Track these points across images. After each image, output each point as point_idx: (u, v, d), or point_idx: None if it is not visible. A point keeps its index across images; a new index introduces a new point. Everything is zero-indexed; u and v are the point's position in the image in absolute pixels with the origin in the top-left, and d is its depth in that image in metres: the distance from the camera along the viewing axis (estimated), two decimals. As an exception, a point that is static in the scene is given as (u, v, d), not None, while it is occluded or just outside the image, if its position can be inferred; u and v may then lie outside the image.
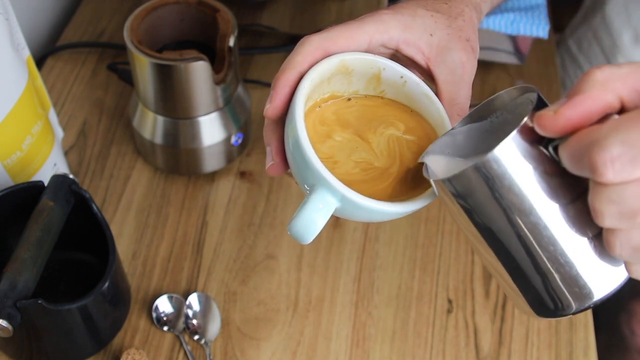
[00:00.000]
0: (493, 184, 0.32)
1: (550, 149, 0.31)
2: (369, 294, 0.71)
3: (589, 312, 0.71)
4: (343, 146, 0.41)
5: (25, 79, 0.63)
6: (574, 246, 0.32)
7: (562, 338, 0.69)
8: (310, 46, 0.40)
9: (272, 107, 0.40)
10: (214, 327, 0.67)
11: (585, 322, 0.70)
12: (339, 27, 0.42)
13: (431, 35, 0.43)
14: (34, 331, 0.57)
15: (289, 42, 0.95)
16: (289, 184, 0.79)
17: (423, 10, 0.44)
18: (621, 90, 0.29)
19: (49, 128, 0.69)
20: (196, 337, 0.66)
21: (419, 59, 0.44)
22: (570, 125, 0.30)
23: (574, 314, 0.34)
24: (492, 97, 0.37)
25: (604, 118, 0.29)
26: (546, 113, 0.30)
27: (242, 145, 0.79)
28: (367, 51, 0.42)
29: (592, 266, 0.33)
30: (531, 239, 0.32)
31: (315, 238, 0.38)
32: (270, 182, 0.79)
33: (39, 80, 0.68)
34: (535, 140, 0.31)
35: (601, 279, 0.33)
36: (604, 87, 0.29)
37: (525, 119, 0.31)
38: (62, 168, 0.73)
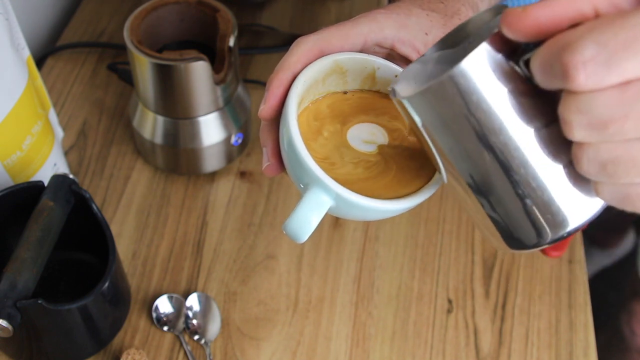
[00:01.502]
0: (461, 99, 0.30)
1: (522, 64, 0.29)
2: (369, 294, 0.71)
3: (589, 312, 0.71)
4: (335, 141, 0.41)
5: (25, 79, 0.63)
6: (547, 170, 0.31)
7: (562, 338, 0.69)
8: (304, 47, 0.40)
9: (265, 108, 0.40)
10: (214, 327, 0.67)
11: (585, 322, 0.70)
12: (333, 28, 0.42)
13: (426, 34, 0.43)
14: (34, 331, 0.57)
15: (289, 42, 0.94)
16: (289, 184, 0.79)
17: (418, 9, 0.44)
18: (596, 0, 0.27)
19: (49, 128, 0.69)
20: (196, 337, 0.66)
21: (414, 57, 0.44)
22: (538, 26, 0.28)
23: (547, 244, 0.32)
24: (464, 22, 0.36)
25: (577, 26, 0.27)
26: (514, 9, 0.28)
27: (242, 145, 0.79)
28: (362, 51, 0.42)
29: (567, 193, 0.31)
30: (501, 160, 0.31)
31: (312, 237, 0.38)
32: (270, 182, 0.79)
33: (39, 80, 0.68)
34: (506, 54, 0.29)
35: (576, 206, 0.31)
36: None
37: (496, 29, 0.29)
38: (62, 168, 0.73)
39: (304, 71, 0.40)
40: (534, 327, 0.69)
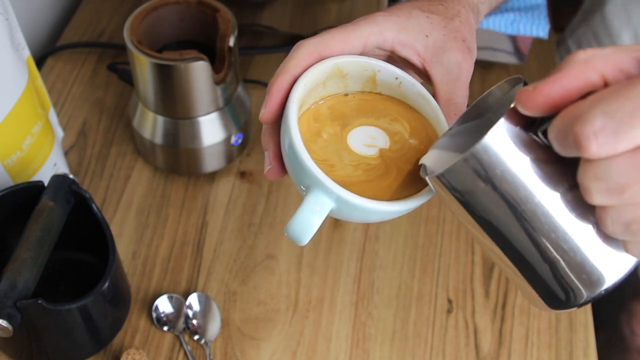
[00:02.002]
0: (485, 174, 0.31)
1: (540, 134, 0.31)
2: (369, 294, 0.71)
3: (589, 312, 0.71)
4: (335, 144, 0.41)
5: (25, 79, 0.63)
6: (577, 232, 0.32)
7: (562, 338, 0.69)
8: (304, 50, 0.41)
9: (266, 112, 0.40)
10: (214, 327, 0.67)
11: (585, 322, 0.70)
12: (333, 31, 0.42)
13: (427, 36, 0.44)
14: (34, 331, 0.57)
15: (289, 42, 0.95)
16: (289, 184, 0.79)
17: (418, 11, 0.44)
18: (603, 68, 0.28)
19: (49, 128, 0.69)
20: (196, 337, 0.66)
21: (415, 60, 0.44)
22: (550, 101, 0.29)
23: (586, 303, 0.34)
24: (484, 93, 0.37)
25: (587, 96, 0.29)
26: (525, 89, 0.30)
27: (242, 145, 0.79)
28: (362, 54, 0.43)
29: (598, 251, 0.32)
30: (531, 227, 0.32)
31: (314, 238, 0.38)
32: (270, 182, 0.79)
33: (39, 80, 0.68)
34: (524, 126, 0.31)
35: (609, 264, 0.32)
36: (585, 65, 0.29)
37: (512, 104, 0.31)
38: (62, 168, 0.73)
39: (304, 74, 0.40)
40: (534, 327, 0.69)
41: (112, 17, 0.98)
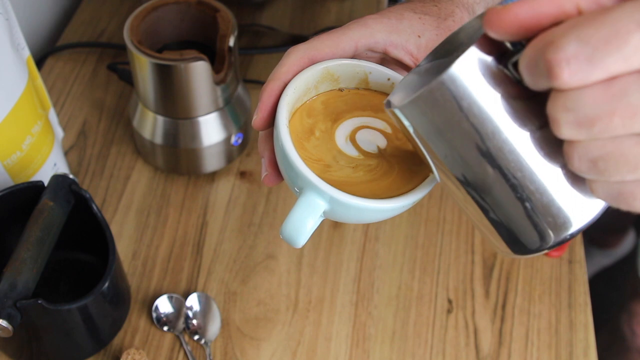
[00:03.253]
0: (452, 105, 0.30)
1: (511, 67, 0.29)
2: (369, 294, 0.71)
3: (589, 312, 0.71)
4: (326, 142, 0.41)
5: (25, 79, 0.63)
6: (544, 173, 0.30)
7: (562, 338, 0.69)
8: (294, 57, 0.41)
9: (258, 119, 0.41)
10: (214, 327, 0.67)
11: (585, 322, 0.70)
12: (324, 36, 0.42)
13: (419, 36, 0.44)
14: (34, 331, 0.57)
15: (289, 42, 0.95)
16: (289, 184, 0.79)
17: (410, 13, 0.44)
18: None
19: (49, 128, 0.69)
20: (196, 337, 0.66)
21: (408, 60, 0.44)
22: (519, 23, 0.27)
23: (550, 248, 0.32)
24: (456, 30, 0.36)
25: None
26: (494, 8, 0.28)
27: (242, 145, 0.79)
28: (353, 57, 0.43)
29: (566, 194, 0.31)
30: (496, 165, 0.30)
31: (312, 238, 0.38)
32: (270, 182, 0.79)
33: (39, 80, 0.68)
34: (496, 58, 0.29)
35: (576, 207, 0.31)
36: None
37: (482, 33, 0.29)
38: (62, 168, 0.73)
39: (293, 80, 0.40)
40: (534, 327, 0.69)
41: (112, 17, 0.98)
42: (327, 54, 0.41)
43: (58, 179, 0.60)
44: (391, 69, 0.44)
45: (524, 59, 0.27)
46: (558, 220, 0.31)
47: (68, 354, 0.63)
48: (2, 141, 0.61)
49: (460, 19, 0.46)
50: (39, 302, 0.52)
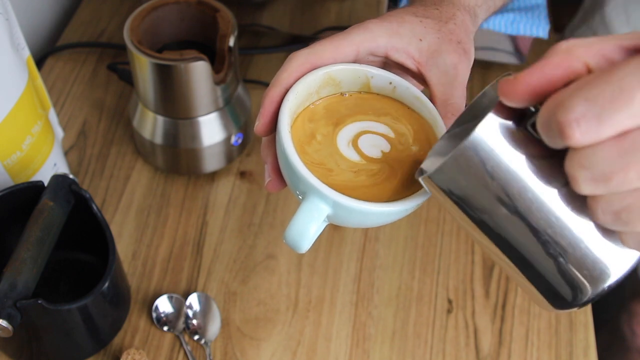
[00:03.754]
0: (476, 170, 0.31)
1: (531, 128, 0.30)
2: (369, 294, 0.71)
3: (589, 312, 0.71)
4: (328, 147, 0.41)
5: (25, 79, 0.63)
6: (574, 227, 0.31)
7: (562, 338, 0.69)
8: (296, 62, 0.41)
9: (260, 124, 0.41)
10: (214, 327, 0.67)
11: (585, 322, 0.70)
12: (325, 41, 0.42)
13: (420, 40, 0.44)
14: (34, 331, 0.57)
15: (289, 42, 0.95)
16: (289, 184, 0.79)
17: (412, 16, 0.44)
18: (586, 56, 0.28)
19: (49, 128, 0.69)
20: (196, 337, 0.66)
21: (410, 64, 0.44)
22: (531, 90, 0.28)
23: (590, 301, 0.33)
24: (479, 94, 0.37)
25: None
26: (506, 79, 0.29)
27: (242, 145, 0.79)
28: (355, 61, 0.43)
29: (599, 247, 0.31)
30: (526, 224, 0.31)
31: (313, 243, 0.38)
32: (270, 182, 0.79)
33: (39, 80, 0.68)
34: (516, 121, 0.30)
35: (611, 259, 0.32)
36: (567, 53, 0.28)
37: (499, 98, 0.30)
38: (62, 168, 0.73)
39: (295, 85, 0.40)
40: (534, 327, 0.69)
41: (112, 17, 0.98)
42: (329, 58, 0.42)
43: (58, 179, 0.60)
44: (393, 72, 0.43)
45: (540, 120, 0.28)
46: (594, 273, 0.32)
47: (68, 354, 0.63)
48: (2, 141, 0.61)
49: (462, 21, 0.46)
50: (39, 302, 0.52)
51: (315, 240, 0.39)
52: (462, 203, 0.33)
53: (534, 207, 0.31)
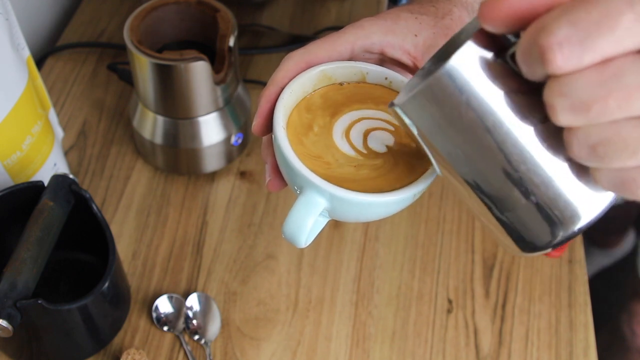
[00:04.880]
0: (451, 100, 0.29)
1: (510, 59, 0.29)
2: (369, 294, 0.71)
3: (589, 312, 0.71)
4: (324, 138, 0.41)
5: (25, 79, 0.63)
6: (549, 165, 0.30)
7: (562, 338, 0.69)
8: (291, 61, 0.41)
9: (256, 124, 0.41)
10: (214, 327, 0.67)
11: (585, 322, 0.70)
12: (320, 40, 0.42)
13: (415, 35, 0.44)
14: (34, 331, 0.57)
15: (289, 42, 0.95)
16: (289, 184, 0.79)
17: (407, 13, 0.45)
18: None
19: (49, 128, 0.69)
20: (196, 337, 0.66)
21: (406, 59, 0.44)
22: (514, 13, 0.27)
23: (559, 244, 0.32)
24: (457, 31, 0.35)
25: None
26: (489, 0, 0.27)
27: (242, 145, 0.79)
28: (350, 59, 0.43)
29: (572, 187, 0.30)
30: (499, 159, 0.30)
31: (313, 240, 0.38)
32: (270, 182, 0.79)
33: (39, 80, 0.68)
34: (495, 51, 0.29)
35: (584, 200, 0.30)
36: None
37: (479, 26, 0.28)
38: (62, 168, 0.73)
39: (290, 83, 0.41)
40: (534, 327, 0.69)
41: (112, 17, 0.98)
42: (323, 57, 0.42)
43: (58, 179, 0.60)
44: (390, 69, 0.44)
45: (520, 48, 0.27)
46: (565, 214, 0.31)
47: (68, 354, 0.63)
48: (2, 141, 0.61)
49: (459, 17, 0.46)
50: (39, 302, 0.52)
51: (315, 240, 0.39)
52: (433, 135, 0.32)
53: (508, 142, 0.29)
